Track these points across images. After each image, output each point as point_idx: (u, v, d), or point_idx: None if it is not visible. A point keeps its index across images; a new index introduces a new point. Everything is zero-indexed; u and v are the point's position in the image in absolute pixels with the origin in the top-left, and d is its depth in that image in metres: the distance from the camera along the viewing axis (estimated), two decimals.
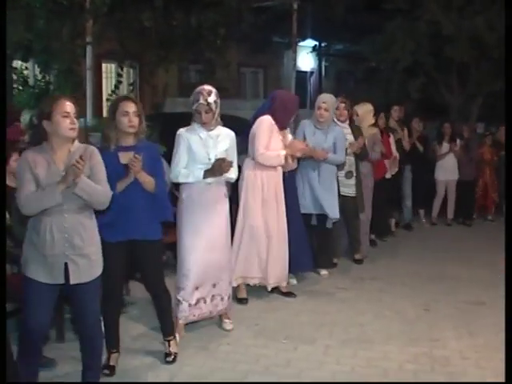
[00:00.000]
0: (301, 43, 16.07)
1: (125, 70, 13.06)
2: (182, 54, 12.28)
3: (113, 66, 13.14)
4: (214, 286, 5.34)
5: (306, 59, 18.20)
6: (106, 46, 11.16)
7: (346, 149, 7.35)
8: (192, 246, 5.17)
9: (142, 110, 4.55)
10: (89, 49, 9.90)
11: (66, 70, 9.27)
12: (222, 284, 5.41)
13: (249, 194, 6.15)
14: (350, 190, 7.59)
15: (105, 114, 12.61)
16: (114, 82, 11.92)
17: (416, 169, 10.28)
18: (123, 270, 4.65)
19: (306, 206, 7.04)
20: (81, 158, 3.72)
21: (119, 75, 11.37)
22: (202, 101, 5.11)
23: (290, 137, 6.58)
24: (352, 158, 7.57)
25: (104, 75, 13.63)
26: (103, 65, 13.32)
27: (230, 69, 13.95)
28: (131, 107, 4.47)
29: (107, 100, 11.58)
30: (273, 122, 6.19)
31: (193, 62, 13.62)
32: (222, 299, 5.44)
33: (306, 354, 5.07)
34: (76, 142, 3.96)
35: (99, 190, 3.90)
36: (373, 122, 8.37)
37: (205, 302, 5.32)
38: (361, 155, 7.71)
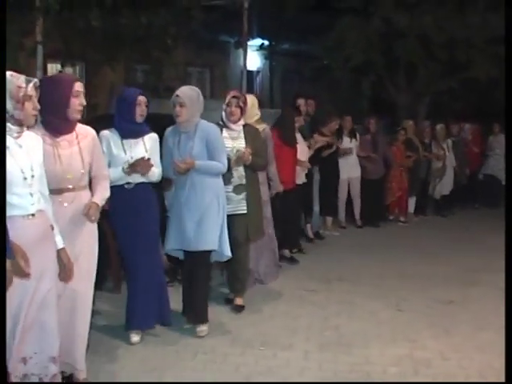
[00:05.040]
0: (248, 42, 15.91)
1: (70, 70, 12.72)
2: (130, 53, 11.97)
3: (58, 66, 12.75)
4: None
5: (252, 58, 18.05)
6: (51, 45, 10.78)
7: (229, 159, 5.67)
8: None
9: None
10: (39, 48, 9.54)
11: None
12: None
13: None
14: (238, 205, 5.90)
15: None
16: None
17: (324, 170, 9.38)
18: None
19: (180, 242, 5.39)
20: None
21: None
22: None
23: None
24: (241, 168, 5.91)
25: None
26: (48, 65, 12.89)
27: (178, 68, 13.71)
28: None
29: None
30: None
31: (140, 61, 13.32)
32: None
33: (286, 360, 4.93)
34: None
35: None
36: (258, 116, 6.63)
37: None
38: (253, 165, 5.95)
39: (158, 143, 5.15)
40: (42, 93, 3.77)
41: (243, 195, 5.90)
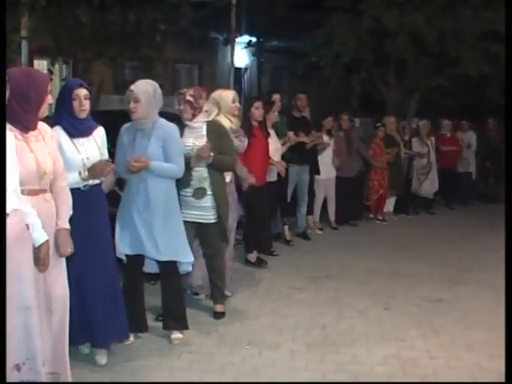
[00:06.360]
0: (236, 39, 15.82)
1: (57, 66, 12.63)
2: (119, 50, 11.86)
3: (45, 62, 12.65)
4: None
5: (240, 55, 17.97)
6: (38, 41, 10.67)
7: (189, 157, 5.23)
8: None
9: None
10: (24, 44, 9.42)
11: None
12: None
13: None
14: (205, 213, 5.46)
15: None
16: None
17: (312, 169, 9.10)
18: None
19: (133, 247, 4.99)
20: None
21: (50, 72, 10.91)
22: None
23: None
24: (202, 170, 5.42)
25: None
26: (35, 62, 12.78)
27: (167, 65, 13.63)
28: None
29: None
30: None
31: (129, 58, 13.22)
32: None
33: (272, 360, 4.87)
34: None
35: None
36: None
37: None
38: (219, 164, 5.49)
39: (105, 137, 4.65)
40: (15, 86, 3.64)
41: (207, 200, 5.43)
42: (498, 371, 4.63)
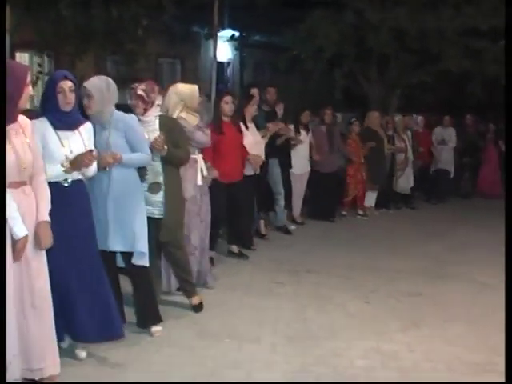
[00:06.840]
0: (219, 33, 15.79)
1: (39, 60, 12.59)
2: (102, 44, 11.78)
3: (27, 55, 12.59)
4: None
5: (222, 49, 17.95)
6: (20, 35, 10.60)
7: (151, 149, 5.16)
8: None
9: None
10: (6, 38, 9.34)
11: None
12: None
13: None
14: (159, 208, 5.43)
15: None
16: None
17: (284, 163, 9.04)
18: None
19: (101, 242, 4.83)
20: None
21: (40, 66, 10.85)
22: None
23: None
24: (157, 164, 5.37)
25: None
26: (17, 54, 12.69)
27: (149, 60, 13.60)
28: None
29: None
30: None
31: (111, 52, 13.16)
32: None
33: (252, 353, 4.88)
34: None
35: None
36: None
37: None
38: (173, 157, 5.43)
39: (92, 132, 4.59)
40: None
41: (160, 196, 5.40)
42: (477, 364, 4.70)
